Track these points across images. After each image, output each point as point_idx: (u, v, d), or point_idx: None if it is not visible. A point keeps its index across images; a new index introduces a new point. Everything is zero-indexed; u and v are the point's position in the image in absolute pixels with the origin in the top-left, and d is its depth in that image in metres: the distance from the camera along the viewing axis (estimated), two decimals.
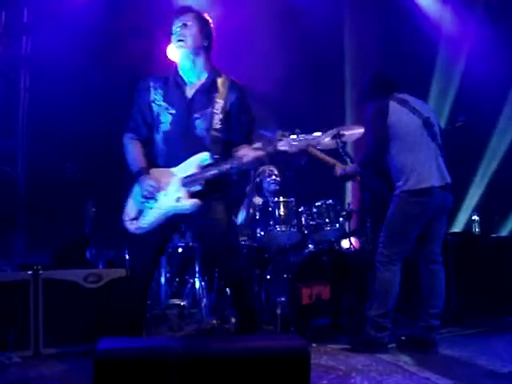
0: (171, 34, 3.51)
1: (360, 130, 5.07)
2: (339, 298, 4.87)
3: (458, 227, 7.00)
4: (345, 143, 5.05)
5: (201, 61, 3.53)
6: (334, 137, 4.99)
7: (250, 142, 3.50)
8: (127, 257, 5.19)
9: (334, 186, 5.02)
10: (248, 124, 3.59)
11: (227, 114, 3.50)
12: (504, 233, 7.06)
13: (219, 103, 3.48)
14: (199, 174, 3.42)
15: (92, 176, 6.10)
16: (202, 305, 4.96)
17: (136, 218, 3.48)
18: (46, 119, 6.13)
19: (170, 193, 3.45)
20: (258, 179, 5.63)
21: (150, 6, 6.35)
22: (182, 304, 5.10)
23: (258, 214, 5.28)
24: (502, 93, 7.44)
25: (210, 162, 3.42)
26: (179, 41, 3.48)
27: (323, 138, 5.04)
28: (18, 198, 6.04)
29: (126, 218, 3.50)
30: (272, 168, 5.64)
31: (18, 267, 4.70)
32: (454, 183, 4.42)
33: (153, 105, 3.55)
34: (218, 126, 3.47)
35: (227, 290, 4.75)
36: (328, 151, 5.12)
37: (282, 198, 5.17)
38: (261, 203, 5.34)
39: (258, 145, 3.42)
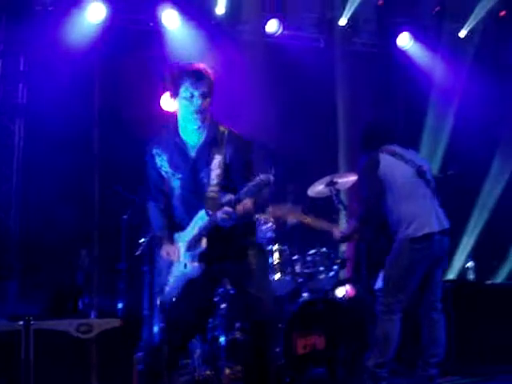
0: (179, 92, 3.35)
1: (353, 178, 5.10)
2: (335, 348, 4.80)
3: (452, 274, 6.97)
4: (338, 191, 5.08)
5: (206, 122, 3.43)
6: (327, 184, 5.03)
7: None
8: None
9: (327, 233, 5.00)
10: (246, 173, 3.42)
11: (227, 166, 3.41)
12: (499, 279, 7.05)
13: (217, 159, 3.38)
14: (197, 234, 3.35)
15: (86, 224, 6.08)
16: (195, 355, 4.88)
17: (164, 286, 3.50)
18: (40, 166, 6.15)
19: (181, 259, 3.41)
20: None
21: (148, 53, 6.45)
22: None
23: None
24: (493, 141, 7.53)
25: (207, 219, 3.31)
26: (199, 112, 3.34)
27: (316, 186, 5.10)
28: (11, 245, 5.99)
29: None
30: (267, 216, 5.61)
31: (9, 318, 4.64)
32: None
33: (161, 172, 3.51)
34: (215, 181, 3.36)
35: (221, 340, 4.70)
36: (322, 199, 5.16)
37: (275, 246, 5.16)
38: None
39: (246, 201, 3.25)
